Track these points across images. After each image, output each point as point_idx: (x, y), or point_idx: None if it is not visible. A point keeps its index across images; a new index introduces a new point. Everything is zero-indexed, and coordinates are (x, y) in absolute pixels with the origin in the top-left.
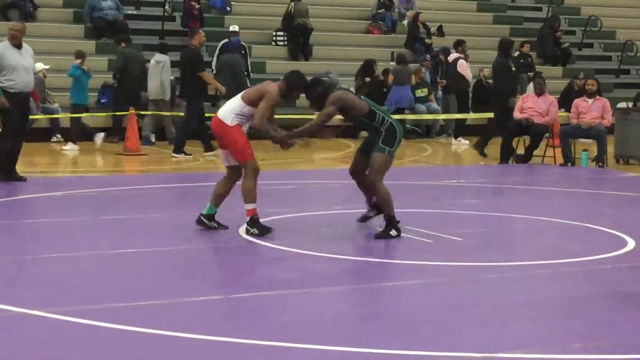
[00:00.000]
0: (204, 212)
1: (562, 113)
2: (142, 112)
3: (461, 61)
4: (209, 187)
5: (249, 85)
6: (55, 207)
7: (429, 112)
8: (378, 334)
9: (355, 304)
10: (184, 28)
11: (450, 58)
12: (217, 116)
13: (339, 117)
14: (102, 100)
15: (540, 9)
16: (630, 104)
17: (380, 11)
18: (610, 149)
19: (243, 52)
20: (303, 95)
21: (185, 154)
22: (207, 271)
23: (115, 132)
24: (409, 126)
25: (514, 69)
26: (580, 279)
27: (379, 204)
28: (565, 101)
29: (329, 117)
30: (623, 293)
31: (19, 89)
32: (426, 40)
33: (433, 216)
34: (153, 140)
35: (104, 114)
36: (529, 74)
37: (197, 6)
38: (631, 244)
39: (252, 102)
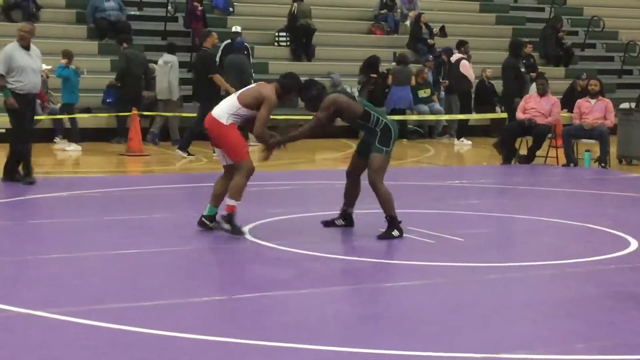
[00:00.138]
0: (204, 214)
1: (565, 114)
2: (145, 113)
3: (464, 62)
4: (211, 188)
5: None
6: (58, 207)
7: (432, 112)
8: (379, 335)
9: (357, 305)
10: (186, 29)
11: (453, 58)
12: (211, 115)
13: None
14: (108, 100)
15: (542, 10)
16: (633, 105)
17: (382, 12)
18: (613, 150)
19: (246, 52)
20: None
21: (189, 154)
22: (209, 272)
23: (120, 133)
24: (411, 127)
25: (523, 70)
26: (583, 280)
27: (380, 204)
28: (567, 102)
29: (321, 122)
30: (625, 293)
31: (27, 90)
32: (429, 40)
33: (435, 217)
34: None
35: (107, 114)
36: (532, 74)
37: (200, 7)
38: (634, 244)
39: (249, 105)
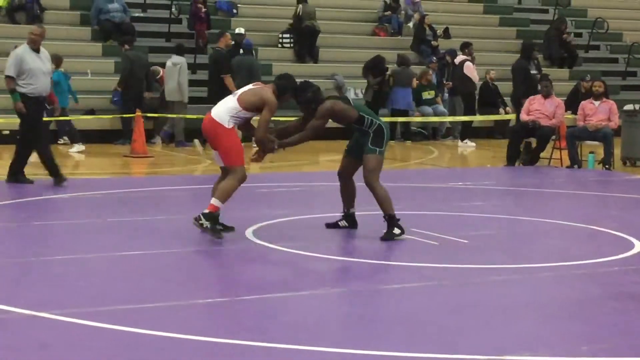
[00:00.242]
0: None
1: (569, 115)
2: (149, 115)
3: (468, 63)
4: None
5: None
6: (62, 209)
7: (436, 114)
8: (381, 336)
9: (359, 306)
10: (190, 30)
11: (457, 60)
12: (211, 116)
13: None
14: (115, 99)
15: (546, 11)
16: (637, 106)
17: (386, 13)
18: (617, 151)
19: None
20: None
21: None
22: (213, 273)
23: (124, 134)
24: (415, 128)
25: (533, 72)
26: (587, 282)
27: (379, 204)
28: (572, 103)
29: (318, 130)
30: (629, 295)
31: (37, 93)
32: (432, 42)
33: (439, 218)
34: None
35: (111, 116)
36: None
37: (204, 9)
38: (638, 246)
39: (249, 108)
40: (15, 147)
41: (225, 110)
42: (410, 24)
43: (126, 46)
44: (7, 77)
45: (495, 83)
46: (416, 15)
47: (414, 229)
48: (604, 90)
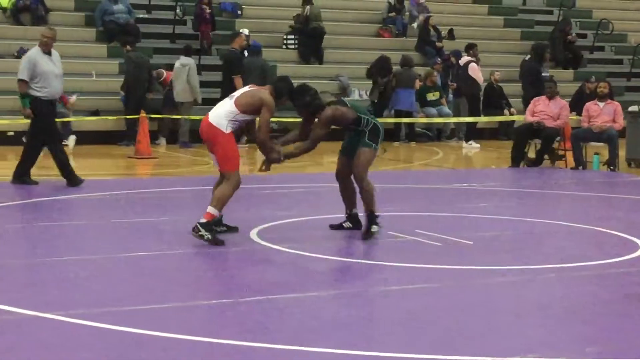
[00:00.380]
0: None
1: (574, 116)
2: (153, 116)
3: (472, 64)
4: None
5: None
6: (66, 210)
7: (440, 115)
8: (385, 337)
9: (363, 307)
10: (195, 31)
11: (462, 61)
12: (208, 120)
13: None
14: (124, 99)
15: (551, 12)
16: None
17: (390, 15)
18: (622, 153)
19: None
20: None
21: None
22: (217, 274)
23: (128, 135)
24: (420, 129)
25: (544, 74)
26: (592, 283)
27: (363, 200)
28: (576, 104)
29: (321, 139)
30: (635, 296)
31: (50, 96)
32: (437, 43)
33: (443, 219)
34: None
35: (115, 117)
36: None
37: (209, 10)
38: None
39: (247, 111)
40: (24, 148)
41: (223, 115)
42: (415, 25)
43: (128, 47)
44: (21, 80)
45: (500, 84)
46: (421, 17)
47: (418, 230)
48: (609, 91)
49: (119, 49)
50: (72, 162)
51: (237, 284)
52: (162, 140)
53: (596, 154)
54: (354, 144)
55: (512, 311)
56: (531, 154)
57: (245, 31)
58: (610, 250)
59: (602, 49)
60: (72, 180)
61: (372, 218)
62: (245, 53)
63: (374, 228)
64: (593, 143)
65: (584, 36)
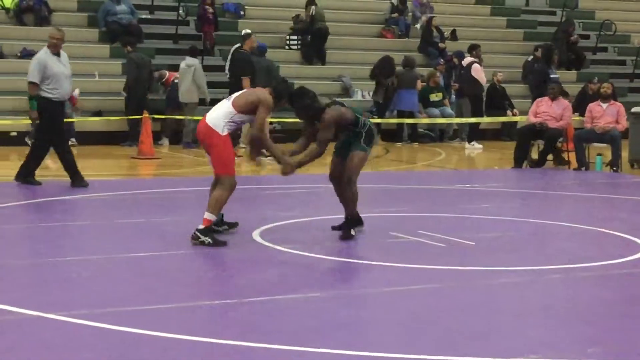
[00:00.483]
0: None
1: (576, 117)
2: (156, 116)
3: (475, 65)
4: None
5: None
6: (69, 210)
7: (443, 116)
8: (388, 338)
9: (366, 308)
10: (198, 32)
11: (465, 62)
12: (205, 122)
13: None
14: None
15: (554, 13)
16: None
17: (393, 15)
18: (625, 154)
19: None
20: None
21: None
22: (219, 275)
23: (132, 136)
24: (422, 130)
25: (553, 75)
26: (594, 284)
27: (346, 201)
28: (579, 105)
29: (328, 141)
30: (638, 298)
31: (61, 97)
32: (439, 44)
33: (446, 220)
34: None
35: (118, 117)
36: None
37: (211, 10)
38: None
39: (244, 110)
40: (30, 148)
41: (220, 116)
42: (418, 26)
43: (128, 48)
44: (31, 83)
45: (503, 85)
46: (423, 18)
47: (421, 230)
48: (612, 92)
49: (121, 50)
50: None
51: (239, 284)
52: (165, 141)
53: (599, 155)
54: (348, 145)
55: (515, 312)
56: (534, 155)
57: (248, 31)
58: (613, 251)
59: (605, 49)
60: (77, 181)
61: (351, 223)
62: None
63: (353, 232)
64: (596, 144)
65: (587, 37)
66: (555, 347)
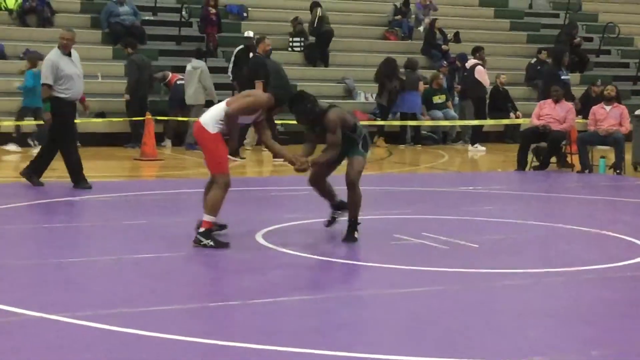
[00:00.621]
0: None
1: (580, 120)
2: (159, 118)
3: (479, 67)
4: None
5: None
6: (72, 211)
7: (446, 118)
8: (391, 340)
9: (370, 310)
10: (200, 34)
11: (468, 64)
12: (199, 122)
13: None
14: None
15: (557, 16)
16: None
17: (396, 17)
18: (628, 156)
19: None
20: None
21: (241, 157)
22: (223, 276)
23: (134, 138)
24: (425, 132)
25: (564, 77)
26: (598, 286)
27: (352, 205)
28: (583, 108)
29: (339, 142)
30: None
31: (74, 97)
32: (443, 46)
33: (449, 222)
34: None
35: (121, 119)
36: None
37: (214, 12)
38: None
39: (237, 110)
40: (41, 147)
41: (213, 116)
42: (421, 28)
43: (129, 49)
44: (45, 85)
45: (506, 87)
46: (426, 20)
47: (424, 233)
48: (616, 94)
49: (124, 51)
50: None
51: (242, 286)
52: (168, 142)
53: (602, 157)
54: (339, 153)
55: (518, 314)
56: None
57: (250, 33)
58: (616, 253)
59: (608, 52)
60: (80, 182)
61: (355, 226)
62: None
63: (357, 234)
64: (599, 146)
65: (590, 40)
66: (558, 349)
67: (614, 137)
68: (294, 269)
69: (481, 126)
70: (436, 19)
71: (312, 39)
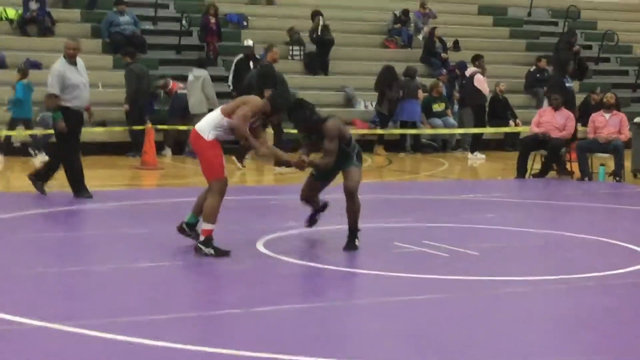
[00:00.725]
0: (185, 220)
1: (579, 127)
2: (160, 127)
3: (478, 75)
4: (225, 201)
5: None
6: (73, 221)
7: (446, 126)
8: (392, 348)
9: (371, 318)
10: (201, 43)
11: (468, 72)
12: (194, 129)
13: None
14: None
15: (556, 24)
16: None
17: (396, 26)
18: (627, 164)
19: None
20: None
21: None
22: (225, 285)
23: (134, 147)
24: (425, 140)
25: (568, 84)
26: (598, 293)
27: (351, 214)
28: (582, 115)
29: (336, 150)
30: None
31: (80, 106)
32: (442, 54)
33: (449, 230)
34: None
35: (121, 128)
36: (545, 88)
37: (214, 21)
38: None
39: (232, 115)
40: (49, 157)
41: (208, 122)
42: (420, 37)
43: (128, 59)
44: (51, 95)
45: (505, 95)
46: (426, 28)
47: (425, 240)
48: (615, 102)
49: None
50: None
51: (243, 294)
52: (168, 151)
53: (602, 165)
54: (332, 167)
55: (519, 321)
56: (537, 165)
57: (250, 42)
58: (616, 261)
59: (607, 60)
60: (81, 192)
61: (356, 234)
62: (251, 64)
63: (358, 242)
64: (599, 154)
65: (589, 47)
66: (560, 356)
67: (613, 145)
68: (295, 277)
69: (481, 134)
70: (435, 27)
71: (311, 47)
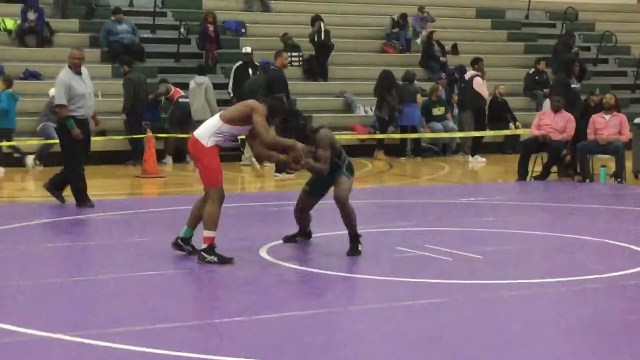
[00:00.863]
0: (180, 236)
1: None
2: (160, 135)
3: (477, 79)
4: (227, 209)
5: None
6: (76, 230)
7: (446, 130)
8: (397, 352)
9: (375, 323)
10: (199, 50)
11: (467, 75)
12: (193, 136)
13: None
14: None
15: (554, 26)
16: None
17: (394, 30)
18: (628, 165)
19: (257, 72)
20: None
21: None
22: (228, 292)
23: (134, 155)
24: (425, 144)
25: (574, 86)
26: (602, 296)
27: (346, 221)
28: (581, 117)
29: (330, 159)
30: None
31: (86, 115)
32: (441, 58)
33: (451, 234)
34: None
35: (121, 137)
36: (545, 90)
37: (212, 28)
38: None
39: (232, 120)
40: (63, 169)
41: (207, 129)
42: (419, 41)
43: (125, 67)
44: (60, 105)
45: (505, 98)
46: (424, 32)
47: (427, 245)
48: (615, 103)
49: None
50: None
51: (247, 301)
52: (169, 159)
53: (603, 166)
54: (323, 182)
55: (522, 324)
56: (537, 167)
57: (249, 49)
58: (619, 262)
59: (605, 61)
60: (83, 201)
61: (357, 238)
62: (250, 71)
63: (360, 247)
64: (599, 155)
65: (588, 49)
66: (564, 359)
67: (614, 146)
68: (299, 284)
69: (481, 137)
70: (434, 31)
71: (308, 53)
